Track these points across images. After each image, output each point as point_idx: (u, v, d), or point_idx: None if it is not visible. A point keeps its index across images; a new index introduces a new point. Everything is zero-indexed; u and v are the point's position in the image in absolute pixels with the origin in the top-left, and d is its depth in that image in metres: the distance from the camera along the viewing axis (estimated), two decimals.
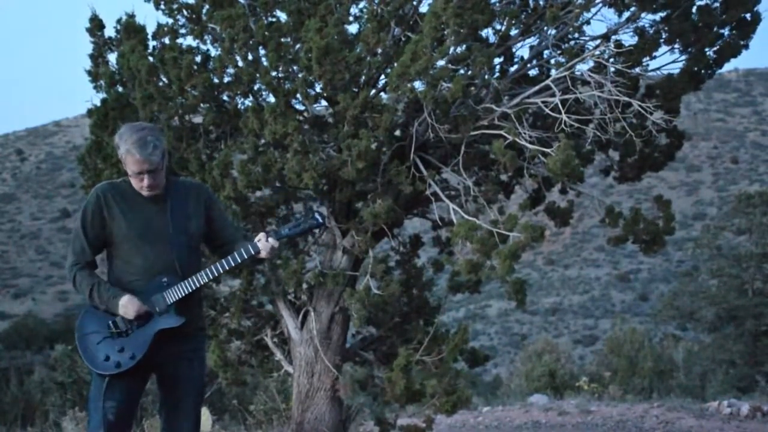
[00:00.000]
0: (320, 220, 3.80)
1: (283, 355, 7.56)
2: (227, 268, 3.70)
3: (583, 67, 6.38)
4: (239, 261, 3.71)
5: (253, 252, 3.69)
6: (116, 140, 3.65)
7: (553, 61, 6.75)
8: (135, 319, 3.62)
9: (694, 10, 6.64)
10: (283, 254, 7.24)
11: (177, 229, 3.71)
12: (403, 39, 6.69)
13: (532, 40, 6.99)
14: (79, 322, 3.75)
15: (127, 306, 3.61)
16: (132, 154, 3.57)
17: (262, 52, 6.74)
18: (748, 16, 6.68)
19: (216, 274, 3.70)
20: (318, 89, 6.80)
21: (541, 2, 6.60)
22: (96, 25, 7.53)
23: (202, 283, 3.69)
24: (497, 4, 6.53)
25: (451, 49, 6.03)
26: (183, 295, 3.66)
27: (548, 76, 6.68)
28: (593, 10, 6.50)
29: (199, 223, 3.79)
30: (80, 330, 3.74)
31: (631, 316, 41.20)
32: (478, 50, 6.07)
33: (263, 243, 3.69)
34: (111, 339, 3.65)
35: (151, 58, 6.93)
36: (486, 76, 6.30)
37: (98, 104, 7.25)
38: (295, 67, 6.60)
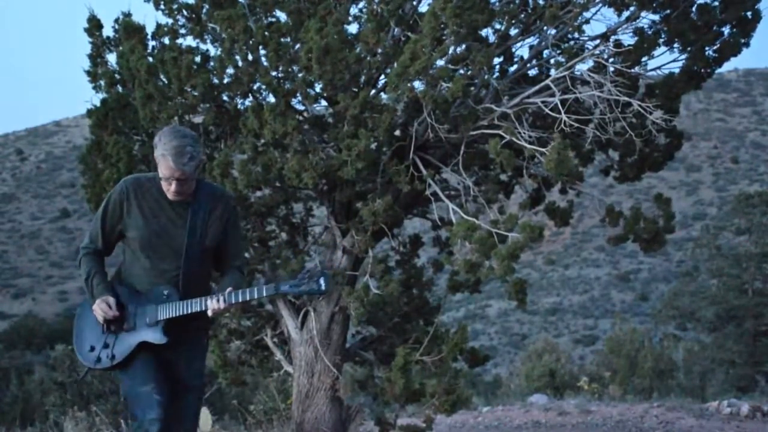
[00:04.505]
0: (323, 288, 3.61)
1: (283, 355, 7.55)
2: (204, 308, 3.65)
3: (582, 67, 6.37)
4: (199, 309, 3.65)
5: (203, 308, 3.62)
6: (155, 140, 3.62)
7: (552, 61, 6.74)
8: (104, 322, 3.62)
9: (693, 9, 6.63)
10: (282, 254, 7.24)
11: (192, 240, 3.67)
12: (402, 39, 6.69)
13: (532, 40, 6.99)
14: (81, 306, 3.78)
15: (96, 310, 3.62)
16: (167, 159, 3.53)
17: (262, 52, 6.73)
18: (748, 14, 6.68)
19: (204, 309, 3.64)
20: (318, 89, 6.80)
21: (541, 2, 6.59)
22: (94, 25, 7.52)
23: (194, 310, 3.62)
24: (497, 4, 6.52)
25: (451, 48, 6.03)
26: (173, 316, 3.61)
27: (548, 76, 6.67)
28: (593, 9, 6.50)
29: (216, 236, 3.75)
30: (79, 314, 3.77)
31: (631, 316, 41.20)
32: (477, 50, 6.06)
33: (212, 303, 3.60)
34: (102, 332, 3.66)
35: (150, 58, 6.93)
36: (486, 76, 6.30)
37: (98, 104, 7.25)
38: (295, 67, 6.60)
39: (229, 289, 3.65)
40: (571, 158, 5.89)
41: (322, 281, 3.60)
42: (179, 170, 3.54)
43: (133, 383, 3.61)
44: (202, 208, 3.71)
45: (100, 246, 3.73)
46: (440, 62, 6.05)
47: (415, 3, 6.82)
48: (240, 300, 3.64)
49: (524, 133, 6.10)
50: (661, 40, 6.63)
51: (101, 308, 3.60)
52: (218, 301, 3.60)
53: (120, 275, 3.77)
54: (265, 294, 3.66)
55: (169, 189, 3.61)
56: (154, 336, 3.62)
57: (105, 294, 3.63)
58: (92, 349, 3.65)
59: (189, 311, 3.63)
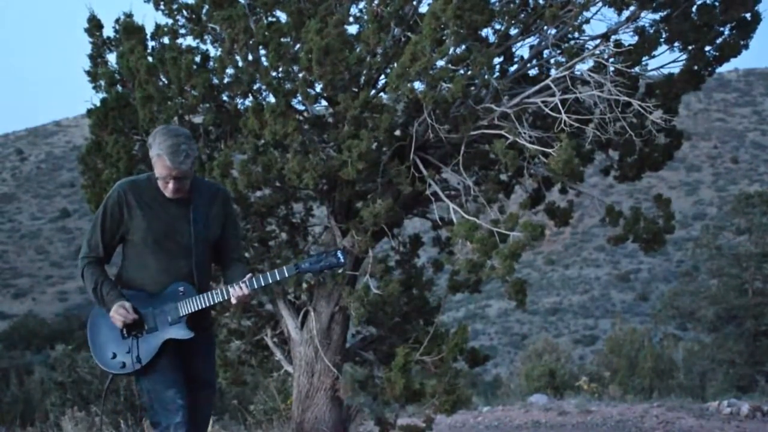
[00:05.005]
0: (341, 260, 3.71)
1: (283, 355, 7.55)
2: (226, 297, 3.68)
3: (582, 67, 6.37)
4: (222, 299, 3.67)
5: (226, 297, 3.65)
6: (149, 140, 3.65)
7: (552, 61, 6.74)
8: (123, 328, 3.61)
9: (694, 9, 6.63)
10: (282, 254, 7.24)
11: (198, 236, 3.69)
12: (403, 39, 6.69)
13: (532, 40, 6.99)
14: (93, 314, 3.75)
15: (114, 316, 3.60)
16: (163, 159, 3.55)
17: (262, 52, 6.74)
18: (748, 15, 6.68)
19: (227, 298, 3.67)
20: (318, 89, 6.80)
21: (541, 2, 6.59)
22: (94, 25, 7.52)
23: (216, 301, 3.66)
24: (497, 4, 6.52)
25: (451, 49, 6.03)
26: (196, 309, 3.64)
27: (548, 75, 6.67)
28: (593, 9, 6.49)
29: (217, 230, 3.78)
30: (92, 323, 3.74)
31: (631, 316, 41.23)
32: (477, 50, 6.06)
33: (236, 291, 3.62)
34: (122, 338, 3.64)
35: (150, 58, 6.93)
36: (486, 76, 6.29)
37: (98, 104, 7.25)
38: (295, 67, 6.60)
39: (249, 275, 3.67)
40: (574, 157, 5.88)
41: (339, 254, 3.70)
42: (176, 168, 3.56)
43: (155, 388, 3.61)
44: (201, 204, 3.74)
45: (101, 253, 3.72)
46: (440, 63, 6.06)
47: (415, 3, 6.82)
48: (263, 284, 3.67)
49: (525, 133, 6.11)
50: (662, 40, 6.63)
51: (120, 314, 3.59)
52: (241, 288, 3.61)
53: (122, 280, 3.74)
54: (287, 274, 3.70)
55: (167, 188, 3.63)
56: (181, 332, 3.63)
57: (119, 300, 3.62)
58: (114, 356, 3.64)
59: (211, 303, 3.66)
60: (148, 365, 3.62)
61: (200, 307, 3.64)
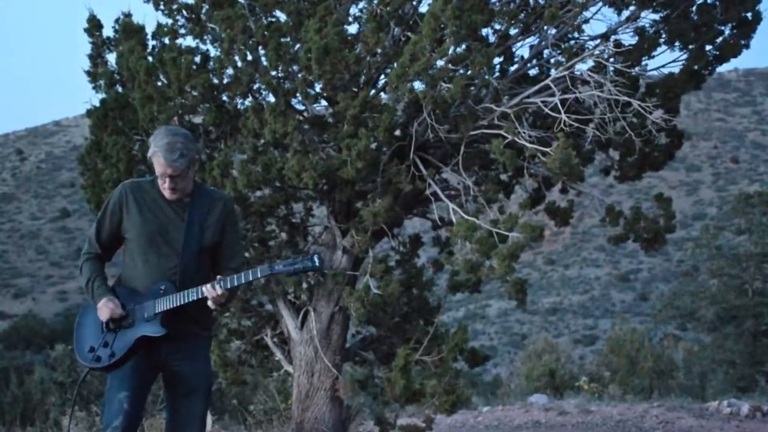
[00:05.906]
0: (317, 264, 3.68)
1: (283, 355, 7.55)
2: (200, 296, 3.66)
3: (582, 67, 6.37)
4: (196, 297, 3.67)
5: (200, 296, 3.64)
6: (150, 139, 3.71)
7: (552, 61, 6.74)
8: (110, 322, 3.65)
9: (693, 9, 6.63)
10: (282, 254, 7.24)
11: (190, 239, 3.72)
12: (402, 39, 6.69)
13: (532, 40, 6.99)
14: (82, 309, 3.83)
15: (101, 309, 3.67)
16: (158, 156, 3.61)
17: (261, 52, 6.73)
18: (748, 15, 6.68)
19: (202, 297, 3.65)
20: (318, 89, 6.80)
21: (541, 2, 6.59)
22: (94, 25, 7.52)
23: (190, 300, 3.64)
24: (496, 4, 6.52)
25: (451, 49, 6.03)
26: (171, 307, 3.64)
27: (548, 75, 6.67)
28: (593, 9, 6.50)
29: (214, 236, 3.80)
30: (79, 317, 3.81)
31: (631, 316, 41.18)
32: (477, 50, 6.06)
33: (209, 289, 3.62)
34: (101, 332, 3.69)
35: (150, 59, 6.93)
36: (485, 76, 6.29)
37: (97, 105, 7.25)
38: (294, 67, 6.60)
39: (222, 275, 3.68)
40: (574, 157, 5.88)
41: (315, 258, 3.69)
42: (170, 166, 3.61)
43: (112, 386, 3.66)
44: (200, 208, 3.78)
45: (99, 250, 3.80)
46: (440, 62, 6.05)
47: (414, 3, 6.82)
48: (236, 284, 3.66)
49: (525, 132, 6.10)
50: (662, 40, 6.63)
51: (108, 307, 3.64)
52: (213, 287, 3.62)
53: (120, 280, 3.81)
54: (260, 275, 3.69)
55: (164, 187, 3.68)
56: (153, 329, 3.65)
57: (107, 295, 3.68)
58: (92, 349, 3.69)
59: (186, 301, 3.66)
60: (126, 358, 3.64)
61: (175, 305, 3.64)
